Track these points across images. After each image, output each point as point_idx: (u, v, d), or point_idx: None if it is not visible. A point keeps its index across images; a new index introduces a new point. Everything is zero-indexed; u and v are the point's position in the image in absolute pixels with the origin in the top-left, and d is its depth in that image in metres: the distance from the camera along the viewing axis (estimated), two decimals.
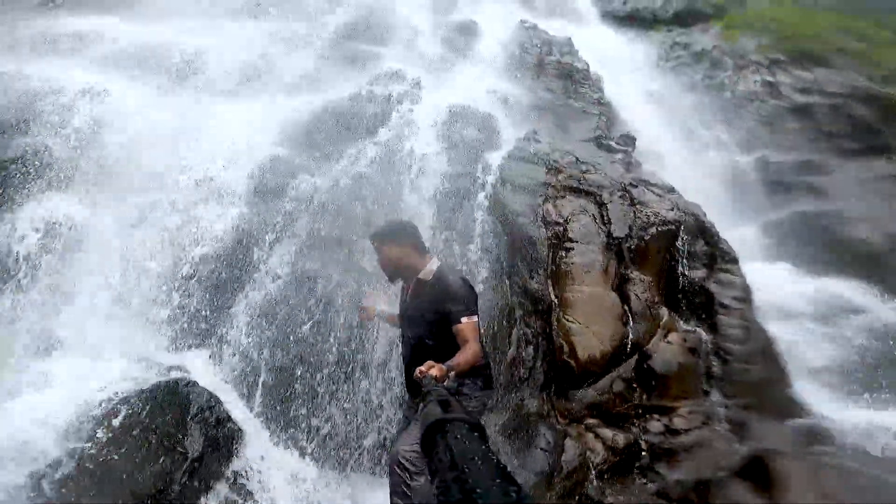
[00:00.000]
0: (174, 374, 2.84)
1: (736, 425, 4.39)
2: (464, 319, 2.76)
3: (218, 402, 2.73)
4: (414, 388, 2.81)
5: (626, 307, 4.36)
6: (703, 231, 5.29)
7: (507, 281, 4.19)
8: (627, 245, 4.59)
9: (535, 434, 3.73)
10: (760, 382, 4.69)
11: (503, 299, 4.13)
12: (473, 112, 5.47)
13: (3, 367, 2.85)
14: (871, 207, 7.06)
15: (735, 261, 5.26)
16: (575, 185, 4.73)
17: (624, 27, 9.95)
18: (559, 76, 7.44)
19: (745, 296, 5.08)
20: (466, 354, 2.67)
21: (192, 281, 3.68)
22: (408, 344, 3.01)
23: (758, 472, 3.79)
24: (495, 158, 4.84)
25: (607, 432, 4.00)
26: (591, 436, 3.98)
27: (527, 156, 4.96)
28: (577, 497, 3.50)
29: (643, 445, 4.04)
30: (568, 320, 4.18)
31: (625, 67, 8.77)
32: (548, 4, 9.46)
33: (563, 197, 4.68)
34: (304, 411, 3.24)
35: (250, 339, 3.50)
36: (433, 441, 2.35)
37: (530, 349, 4.11)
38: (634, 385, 4.26)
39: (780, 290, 5.69)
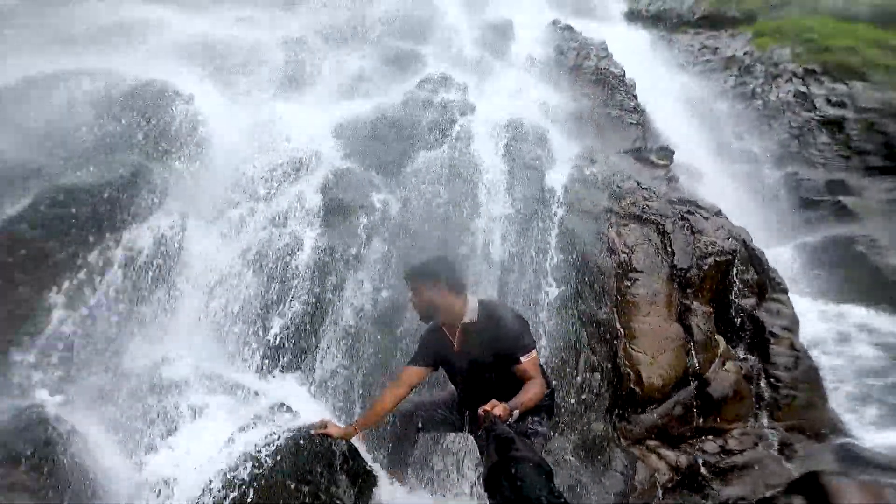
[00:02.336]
0: (297, 419, 3.27)
1: (783, 446, 5.16)
2: (523, 358, 2.94)
3: (354, 448, 3.15)
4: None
5: (688, 337, 5.02)
6: (753, 259, 6.01)
7: (576, 309, 4.77)
8: (689, 276, 5.23)
9: (611, 457, 4.37)
10: (804, 406, 5.47)
11: (572, 327, 4.71)
12: (526, 124, 5.99)
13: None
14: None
15: (785, 291, 6.00)
16: (638, 213, 5.34)
17: (648, 27, 10.58)
18: (595, 82, 8.01)
19: (793, 326, 5.83)
20: (532, 392, 2.86)
21: (279, 303, 4.13)
22: (463, 388, 3.22)
23: (811, 488, 4.51)
24: (557, 179, 5.38)
25: (670, 454, 4.68)
26: (654, 457, 4.66)
27: (588, 178, 5.52)
28: None
29: (701, 465, 4.74)
30: (634, 350, 4.81)
31: (652, 70, 9.38)
32: (575, 2, 10.00)
33: (626, 225, 5.28)
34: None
35: (341, 366, 4.00)
36: (498, 482, 2.82)
37: (597, 375, 4.73)
38: (693, 409, 4.95)
39: (818, 321, 6.48)
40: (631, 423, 4.75)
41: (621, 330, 4.86)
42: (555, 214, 5.09)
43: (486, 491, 2.84)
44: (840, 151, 9.17)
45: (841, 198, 8.56)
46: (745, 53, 9.80)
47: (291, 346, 3.94)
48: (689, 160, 8.13)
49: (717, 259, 5.52)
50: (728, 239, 5.75)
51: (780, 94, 9.35)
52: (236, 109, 5.23)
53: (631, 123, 7.67)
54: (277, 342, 3.91)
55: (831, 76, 9.16)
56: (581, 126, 6.98)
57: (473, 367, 3.09)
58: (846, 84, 9.07)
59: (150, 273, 3.80)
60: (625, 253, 5.11)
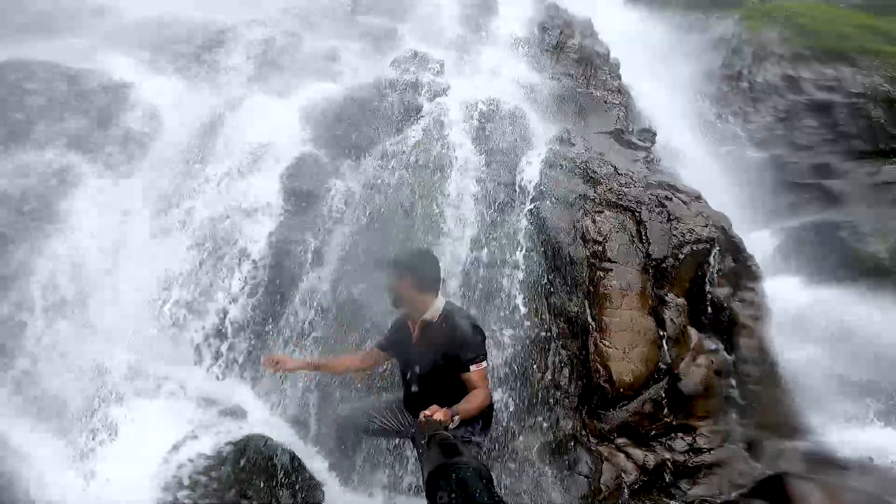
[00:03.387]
0: (243, 426, 2.98)
1: (750, 444, 4.92)
2: (472, 367, 2.95)
3: (298, 460, 2.90)
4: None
5: (660, 332, 4.73)
6: (731, 246, 5.67)
7: (546, 301, 4.46)
8: (664, 266, 4.92)
9: (576, 459, 4.13)
10: (771, 402, 5.22)
11: (542, 322, 4.41)
12: (503, 106, 5.60)
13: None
14: (881, 218, 7.62)
15: (759, 279, 5.70)
16: (614, 200, 5.00)
17: (637, 6, 10.09)
18: (579, 61, 7.58)
19: (764, 316, 5.54)
20: (475, 401, 2.88)
21: (230, 301, 3.80)
22: (412, 383, 3.17)
23: (775, 491, 4.30)
24: (533, 166, 5.02)
25: (639, 453, 4.43)
26: (622, 456, 4.41)
27: (564, 163, 5.16)
28: None
29: (669, 465, 4.50)
30: (605, 345, 4.53)
31: (638, 49, 8.93)
32: None
33: (601, 212, 4.94)
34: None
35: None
36: (439, 486, 2.65)
37: (566, 371, 4.45)
38: (663, 406, 4.69)
39: (792, 306, 6.19)
40: (600, 420, 4.50)
41: (593, 324, 4.58)
42: (528, 201, 4.74)
43: (427, 495, 2.75)
44: (826, 135, 8.81)
45: (825, 181, 8.23)
46: (732, 35, 9.36)
47: (246, 344, 3.62)
48: (672, 141, 7.76)
49: (695, 248, 5.20)
50: (706, 226, 5.42)
51: (767, 76, 8.94)
52: (193, 96, 4.80)
53: (614, 104, 7.27)
54: (230, 342, 3.59)
55: (820, 60, 8.75)
56: (562, 106, 6.59)
57: (424, 366, 3.10)
58: (834, 68, 8.66)
59: (91, 272, 3.45)
60: (598, 242, 4.79)
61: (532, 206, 4.72)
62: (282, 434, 3.14)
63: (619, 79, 7.70)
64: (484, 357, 3.04)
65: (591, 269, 4.69)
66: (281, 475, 2.76)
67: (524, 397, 4.26)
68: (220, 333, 3.65)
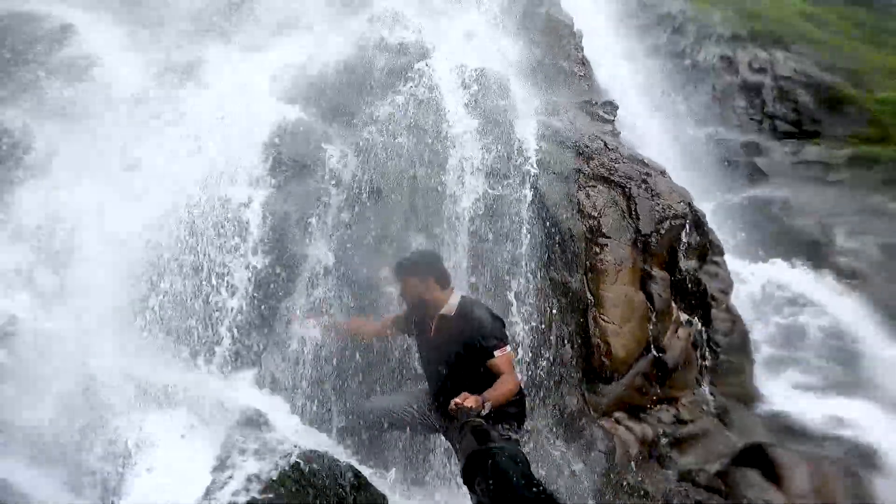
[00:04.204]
0: (277, 436, 2.55)
1: (721, 413, 5.12)
2: (497, 353, 2.90)
3: (361, 475, 2.52)
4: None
5: (650, 306, 4.74)
6: (696, 221, 5.78)
7: (548, 277, 4.31)
8: (650, 241, 4.90)
9: (591, 434, 4.11)
10: (736, 372, 5.46)
11: (545, 296, 4.26)
12: (488, 74, 5.26)
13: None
14: (808, 195, 8.15)
15: (722, 252, 5.89)
16: (606, 175, 4.89)
17: None
18: (545, 31, 7.33)
19: (729, 288, 5.76)
20: (503, 387, 2.82)
21: (223, 285, 3.31)
22: (435, 379, 3.12)
23: (757, 460, 4.49)
24: (527, 136, 4.78)
25: (636, 426, 4.47)
26: (622, 429, 4.43)
27: (556, 136, 4.96)
28: (623, 487, 3.95)
29: (662, 437, 4.58)
30: (604, 320, 4.47)
31: (594, 21, 8.84)
32: None
33: (594, 187, 4.82)
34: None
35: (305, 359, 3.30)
36: (476, 473, 2.57)
37: (568, 347, 4.35)
38: (651, 379, 4.74)
39: (739, 283, 6.48)
40: (598, 395, 4.47)
41: (591, 299, 4.48)
42: (527, 174, 4.50)
43: (464, 482, 2.69)
44: (754, 115, 9.23)
45: (756, 159, 8.64)
46: (679, 12, 9.50)
47: (243, 337, 3.15)
48: (630, 117, 7.80)
49: (672, 223, 5.22)
50: (680, 202, 5.46)
51: (707, 55, 9.18)
52: (145, 51, 4.08)
53: (580, 76, 7.14)
54: (226, 334, 3.11)
55: (756, 43, 9.09)
56: (535, 76, 6.33)
57: (446, 359, 3.03)
58: (768, 52, 9.04)
59: (48, 261, 2.82)
60: (594, 217, 4.68)
61: (532, 178, 4.48)
62: (318, 442, 2.77)
63: (582, 50, 7.56)
64: (506, 342, 2.99)
65: (588, 244, 4.58)
66: (351, 497, 2.39)
67: (531, 375, 4.12)
68: (219, 327, 3.14)
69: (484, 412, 2.66)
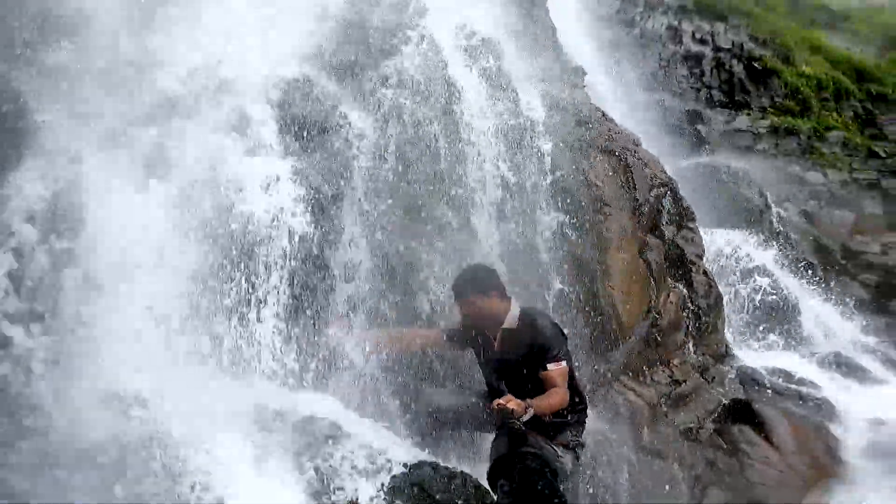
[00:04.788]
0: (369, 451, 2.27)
1: (703, 371, 5.42)
2: (550, 366, 2.87)
3: (481, 487, 2.36)
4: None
5: (648, 273, 4.85)
6: (672, 187, 5.96)
7: (564, 248, 4.28)
8: (644, 209, 4.99)
9: (614, 403, 4.25)
10: (712, 331, 5.78)
11: (560, 269, 4.24)
12: (483, 33, 5.03)
13: None
14: (742, 162, 8.67)
15: (694, 218, 6.12)
16: (605, 146, 4.87)
17: None
18: None
19: (702, 252, 6.02)
20: (551, 398, 2.81)
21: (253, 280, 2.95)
22: (497, 385, 3.05)
23: (747, 416, 4.80)
24: (534, 106, 4.64)
25: (642, 389, 4.61)
26: (631, 394, 4.55)
27: (558, 105, 4.85)
28: (644, 449, 4.09)
29: (662, 398, 4.76)
30: (611, 288, 4.51)
31: None
32: None
33: (596, 157, 4.79)
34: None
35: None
36: (499, 474, 2.61)
37: (580, 316, 4.36)
38: (648, 343, 4.89)
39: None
40: (606, 360, 4.53)
41: (599, 267, 4.49)
42: (539, 142, 4.38)
43: (488, 481, 2.69)
44: (694, 84, 9.61)
45: (698, 126, 9.03)
46: None
47: (281, 332, 2.83)
48: (589, 83, 7.81)
49: (659, 191, 5.36)
50: (661, 171, 5.60)
51: (655, 25, 9.38)
52: None
53: (552, 42, 7.03)
54: (267, 331, 2.78)
55: (700, 14, 9.40)
56: (519, 40, 6.14)
57: (508, 369, 3.00)
58: (710, 23, 9.38)
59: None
60: (598, 187, 4.66)
61: (546, 147, 4.38)
62: (408, 451, 2.57)
63: (549, 15, 7.43)
64: (563, 357, 2.94)
65: (594, 213, 4.57)
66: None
67: None
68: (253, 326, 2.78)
69: (525, 417, 2.63)
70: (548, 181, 4.19)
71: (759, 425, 4.57)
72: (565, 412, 2.91)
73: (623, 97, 8.91)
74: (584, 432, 3.11)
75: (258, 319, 2.84)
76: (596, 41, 8.93)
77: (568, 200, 4.35)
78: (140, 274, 2.53)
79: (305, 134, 3.47)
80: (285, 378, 2.82)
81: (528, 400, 2.68)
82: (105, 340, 2.35)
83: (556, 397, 2.82)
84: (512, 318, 3.01)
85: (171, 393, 2.31)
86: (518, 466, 2.55)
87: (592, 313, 4.39)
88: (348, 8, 4.53)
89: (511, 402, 2.57)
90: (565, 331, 3.15)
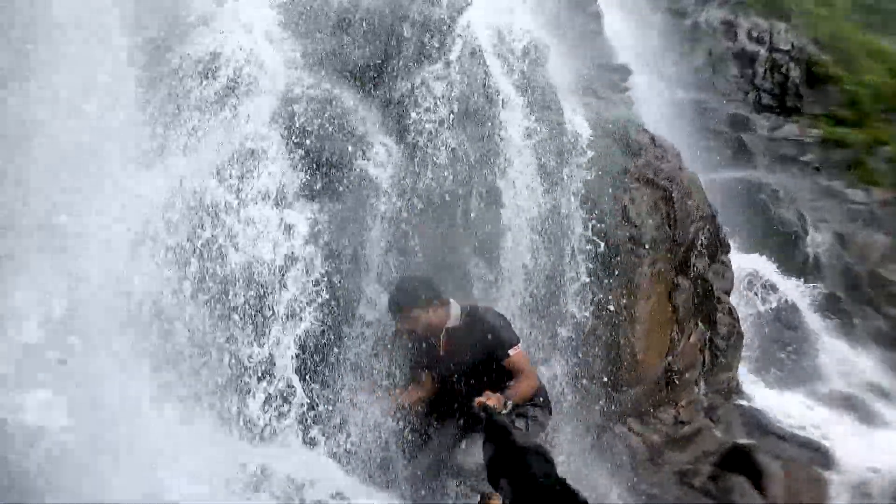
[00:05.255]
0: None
1: (709, 410, 5.25)
2: (511, 352, 2.92)
3: None
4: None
5: (674, 317, 4.59)
6: (713, 218, 5.59)
7: (589, 293, 4.01)
8: (681, 248, 4.67)
9: (615, 448, 4.15)
10: (725, 369, 5.57)
11: (584, 315, 3.99)
12: (529, 40, 4.58)
13: None
14: (783, 176, 8.21)
15: (729, 251, 5.79)
16: (651, 177, 4.51)
17: None
18: None
19: (730, 288, 5.72)
20: (522, 384, 2.86)
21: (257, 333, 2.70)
22: (454, 392, 3.02)
23: (745, 464, 4.66)
24: (577, 128, 4.26)
25: (645, 431, 4.48)
26: (633, 436, 4.40)
27: (603, 124, 4.46)
28: (637, 491, 4.00)
29: (664, 438, 4.61)
30: (633, 336, 4.28)
31: None
32: None
33: (638, 189, 4.44)
34: None
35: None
36: (497, 472, 2.46)
37: (598, 362, 4.18)
38: (660, 384, 4.70)
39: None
40: (616, 402, 4.37)
41: (624, 313, 4.24)
42: (576, 175, 4.04)
43: (489, 481, 2.40)
44: (743, 85, 9.02)
45: (742, 134, 8.53)
46: None
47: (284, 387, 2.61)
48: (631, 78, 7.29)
49: (699, 225, 5.02)
50: (704, 201, 5.24)
51: (709, 18, 8.70)
52: None
53: (596, 32, 6.56)
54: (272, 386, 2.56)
55: (758, 11, 8.70)
56: (562, 33, 5.64)
57: (462, 368, 2.99)
58: (769, 21, 8.69)
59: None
60: (636, 226, 4.34)
61: (583, 180, 4.03)
62: None
63: (596, 2, 6.86)
64: (517, 341, 3.00)
65: (629, 256, 4.27)
66: None
67: (561, 391, 3.93)
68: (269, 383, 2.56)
69: (506, 410, 2.65)
70: (579, 223, 3.84)
71: (755, 474, 4.43)
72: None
73: (661, 95, 8.38)
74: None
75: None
76: (642, 29, 8.30)
77: (601, 247, 4.03)
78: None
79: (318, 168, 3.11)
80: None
81: (506, 391, 2.73)
82: None
83: (527, 380, 2.89)
84: (454, 318, 3.00)
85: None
86: (513, 459, 2.27)
87: (608, 358, 4.19)
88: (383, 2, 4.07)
89: (490, 399, 2.57)
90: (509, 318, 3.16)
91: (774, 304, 6.79)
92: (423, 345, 3.03)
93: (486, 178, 3.54)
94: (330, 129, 3.19)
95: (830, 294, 7.16)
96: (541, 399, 3.06)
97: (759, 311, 6.76)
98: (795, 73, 8.77)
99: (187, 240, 2.54)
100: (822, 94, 8.95)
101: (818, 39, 8.74)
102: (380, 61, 3.89)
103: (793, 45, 8.72)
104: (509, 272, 3.47)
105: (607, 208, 4.14)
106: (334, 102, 3.38)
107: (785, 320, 6.77)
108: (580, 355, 3.94)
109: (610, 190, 4.24)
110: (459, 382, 2.96)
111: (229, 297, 2.54)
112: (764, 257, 7.14)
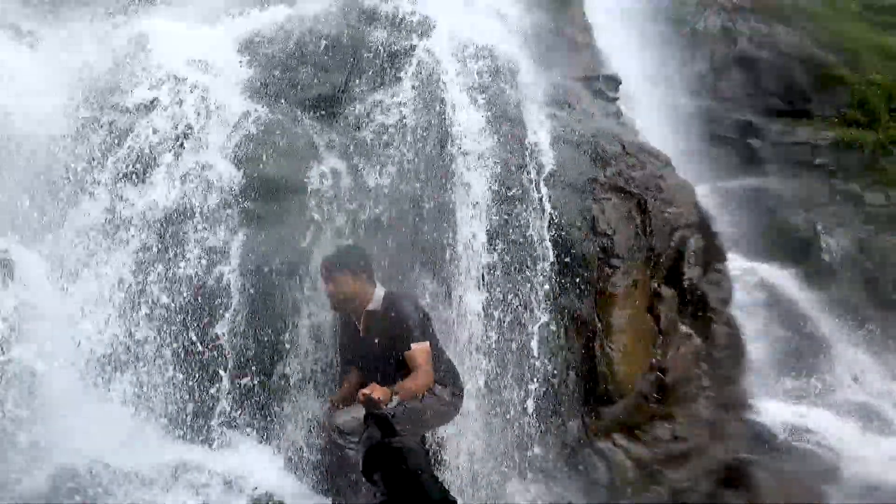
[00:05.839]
0: None
1: (711, 424, 5.05)
2: (414, 346, 2.90)
3: None
4: None
5: (655, 328, 4.49)
6: (703, 224, 5.46)
7: (557, 305, 3.97)
8: (662, 258, 4.58)
9: (588, 463, 4.05)
10: (728, 382, 5.37)
11: (556, 327, 3.96)
12: (495, 52, 4.64)
13: None
14: (796, 182, 7.96)
15: (724, 259, 5.62)
16: (622, 186, 4.48)
17: None
18: None
19: (728, 297, 5.54)
20: (416, 379, 2.85)
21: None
22: (369, 377, 2.96)
23: (740, 479, 4.48)
24: (541, 141, 4.28)
25: (633, 447, 4.36)
26: (620, 452, 4.30)
27: (572, 136, 4.48)
28: None
29: (658, 456, 4.46)
30: (611, 348, 4.23)
31: None
32: None
33: (609, 199, 4.42)
34: None
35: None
36: (372, 464, 2.41)
37: (572, 374, 4.14)
38: (650, 398, 4.56)
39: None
40: (599, 417, 4.31)
41: (599, 325, 4.18)
42: (541, 189, 4.04)
43: (363, 473, 2.48)
44: (748, 90, 8.85)
45: (749, 140, 8.34)
46: None
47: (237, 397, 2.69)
48: (627, 88, 7.24)
49: (684, 233, 4.91)
50: (691, 208, 5.12)
51: (708, 24, 8.62)
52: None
53: (583, 45, 6.53)
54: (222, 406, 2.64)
55: (757, 15, 8.58)
56: (539, 47, 5.68)
57: (373, 355, 3.03)
58: (769, 25, 8.55)
59: None
60: (608, 235, 4.31)
61: (547, 194, 4.02)
62: None
63: (585, 14, 6.88)
64: (427, 336, 2.99)
65: (600, 267, 4.23)
66: None
67: (538, 405, 3.88)
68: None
69: (391, 405, 2.61)
70: (541, 235, 3.82)
71: (753, 491, 4.24)
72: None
73: (664, 103, 8.28)
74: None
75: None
76: (640, 38, 8.26)
77: (566, 253, 4.00)
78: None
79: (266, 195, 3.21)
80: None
81: (395, 385, 2.71)
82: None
83: (421, 378, 2.85)
84: (376, 300, 3.02)
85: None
86: (389, 454, 2.36)
87: (586, 372, 4.12)
88: (340, 24, 4.23)
89: (375, 391, 2.56)
90: (430, 314, 3.18)
91: (786, 313, 6.57)
92: (348, 327, 3.11)
93: (438, 193, 3.57)
94: (275, 155, 3.30)
95: (845, 300, 6.86)
96: (447, 391, 3.03)
97: (770, 320, 6.54)
98: (801, 75, 8.56)
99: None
100: (830, 95, 8.71)
101: (821, 41, 8.53)
102: (339, 89, 4.01)
103: (795, 48, 8.53)
104: (463, 286, 3.46)
105: (573, 219, 4.11)
106: (285, 129, 3.50)
107: (797, 329, 6.53)
108: (550, 367, 3.86)
109: (579, 200, 4.22)
110: (374, 369, 2.98)
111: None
112: (776, 265, 6.92)
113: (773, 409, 5.68)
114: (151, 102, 3.09)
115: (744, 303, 6.30)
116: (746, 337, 5.66)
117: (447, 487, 1.75)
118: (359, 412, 2.70)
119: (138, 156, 2.94)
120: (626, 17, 8.32)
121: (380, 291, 3.06)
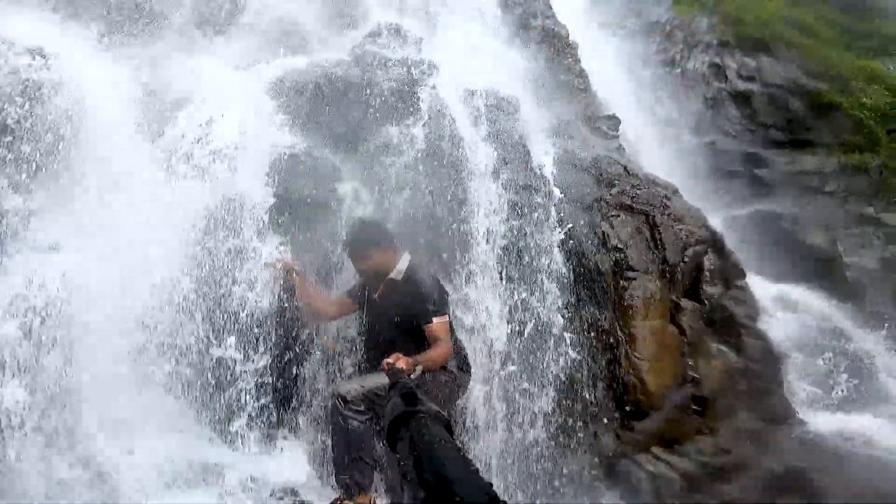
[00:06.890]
0: None
1: (756, 437, 4.94)
2: (435, 319, 3.01)
3: None
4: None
5: (683, 339, 4.53)
6: (716, 244, 5.60)
7: (579, 316, 4.06)
8: (676, 271, 4.69)
9: (627, 472, 4.04)
10: (768, 394, 5.29)
11: (578, 339, 4.03)
12: (498, 92, 5.02)
13: None
14: (810, 207, 8.07)
15: (743, 276, 5.71)
16: (628, 203, 4.70)
17: None
18: (541, 41, 7.13)
19: (756, 313, 5.58)
20: (436, 352, 2.94)
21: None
22: (375, 344, 3.17)
23: (801, 488, 4.32)
24: (546, 165, 4.55)
25: (675, 459, 4.30)
26: (662, 465, 4.23)
27: (574, 162, 4.75)
28: None
29: (704, 468, 4.36)
30: (637, 358, 4.27)
31: (587, 29, 8.64)
32: None
33: (617, 216, 4.63)
34: None
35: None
36: (396, 432, 2.37)
37: (600, 385, 4.18)
38: (688, 411, 4.53)
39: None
40: (634, 430, 4.29)
41: (622, 336, 4.25)
42: (551, 205, 4.24)
43: (387, 441, 2.45)
44: (748, 125, 9.13)
45: (757, 171, 8.53)
46: (665, 21, 9.37)
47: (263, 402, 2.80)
48: (628, 129, 7.59)
49: (696, 249, 5.05)
50: (701, 226, 5.28)
51: (696, 63, 9.08)
52: (112, 69, 3.63)
53: (580, 89, 6.94)
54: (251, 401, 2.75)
55: (742, 49, 9.02)
56: (540, 92, 6.09)
57: (386, 324, 3.12)
58: (755, 58, 8.97)
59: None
60: (620, 250, 4.48)
61: (556, 210, 4.23)
62: None
63: (580, 62, 7.35)
64: (445, 311, 3.11)
65: (615, 279, 4.36)
66: None
67: (566, 418, 3.89)
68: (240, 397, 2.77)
69: (414, 375, 2.67)
70: (556, 249, 4.00)
71: (813, 497, 4.08)
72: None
73: (668, 140, 8.60)
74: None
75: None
76: (635, 82, 8.72)
77: (581, 266, 4.15)
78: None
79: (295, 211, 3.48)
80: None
81: (416, 357, 2.77)
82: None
83: (441, 349, 2.95)
84: (398, 270, 3.15)
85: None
86: (412, 423, 2.29)
87: (614, 383, 4.14)
88: (355, 70, 4.63)
89: (400, 361, 2.60)
90: (448, 290, 3.33)
91: (820, 328, 6.50)
92: (368, 291, 3.23)
93: (453, 208, 3.80)
94: (304, 177, 3.60)
95: (878, 313, 6.79)
96: (454, 364, 3.11)
97: (805, 334, 6.47)
98: (796, 105, 8.88)
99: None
100: (830, 122, 8.97)
101: (808, 69, 8.90)
102: (354, 125, 4.35)
103: (784, 79, 8.90)
104: (479, 295, 3.61)
105: (585, 235, 4.28)
106: (311, 156, 3.81)
107: (834, 342, 6.43)
108: (576, 376, 3.91)
109: (588, 217, 4.40)
110: (381, 334, 3.10)
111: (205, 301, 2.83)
112: (803, 285, 6.92)
113: (821, 420, 5.54)
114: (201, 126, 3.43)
115: (776, 320, 6.30)
116: (782, 350, 5.65)
117: (469, 458, 1.81)
118: (364, 381, 2.78)
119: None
120: (618, 63, 8.84)
121: (404, 263, 3.20)
